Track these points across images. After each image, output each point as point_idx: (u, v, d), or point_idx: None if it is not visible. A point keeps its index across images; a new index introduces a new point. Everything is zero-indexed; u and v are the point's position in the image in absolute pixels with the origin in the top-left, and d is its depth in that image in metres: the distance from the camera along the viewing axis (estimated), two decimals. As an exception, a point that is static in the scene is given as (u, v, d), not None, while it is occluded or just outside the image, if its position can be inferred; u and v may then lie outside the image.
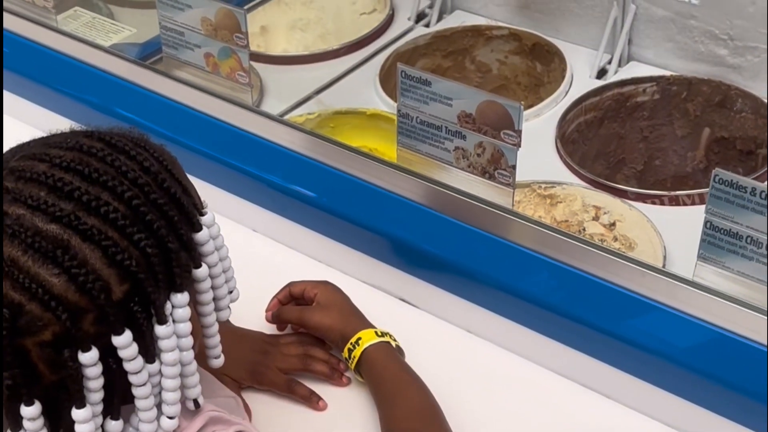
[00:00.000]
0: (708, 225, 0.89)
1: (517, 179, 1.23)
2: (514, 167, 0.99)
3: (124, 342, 0.67)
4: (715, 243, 0.89)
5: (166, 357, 0.70)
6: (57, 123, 1.25)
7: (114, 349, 0.67)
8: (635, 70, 1.42)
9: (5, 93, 1.36)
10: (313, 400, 1.01)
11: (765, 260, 0.87)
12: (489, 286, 1.04)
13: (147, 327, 0.68)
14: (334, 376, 1.03)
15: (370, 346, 0.99)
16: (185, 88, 1.21)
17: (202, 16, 1.14)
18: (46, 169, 0.67)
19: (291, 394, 1.02)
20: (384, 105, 1.39)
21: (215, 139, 1.20)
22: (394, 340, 1.02)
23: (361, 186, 1.11)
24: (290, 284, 1.09)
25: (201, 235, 0.73)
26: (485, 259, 1.04)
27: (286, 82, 1.46)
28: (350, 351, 1.01)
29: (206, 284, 0.74)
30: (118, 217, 0.66)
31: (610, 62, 1.42)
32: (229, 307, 0.79)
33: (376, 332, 1.01)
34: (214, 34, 1.14)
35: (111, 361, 0.67)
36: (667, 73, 1.39)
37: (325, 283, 1.08)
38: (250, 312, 1.07)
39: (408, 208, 1.08)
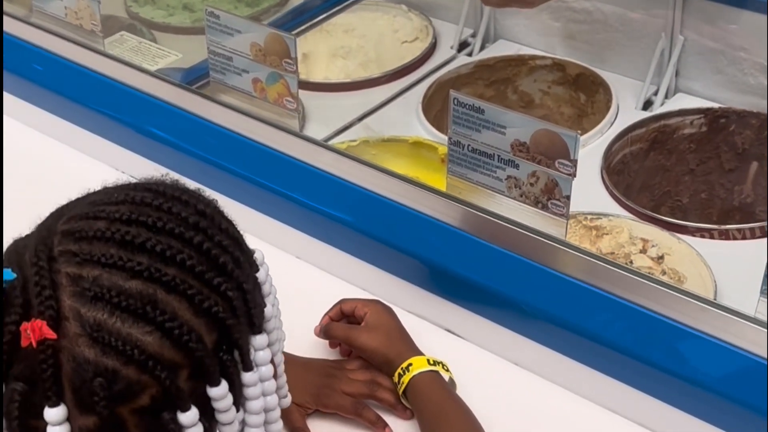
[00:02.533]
0: (770, 260, 0.87)
1: (565, 210, 1.24)
2: (568, 197, 0.98)
3: (221, 393, 0.63)
4: (779, 278, 0.87)
5: (252, 405, 0.67)
6: (104, 147, 1.25)
7: (207, 407, 0.64)
8: (682, 102, 1.40)
9: (52, 117, 1.36)
10: (379, 425, 0.99)
11: (830, 297, 0.85)
12: (539, 319, 1.02)
13: (236, 375, 0.65)
14: (398, 407, 1.01)
15: (420, 373, 0.98)
16: (231, 113, 1.21)
17: (251, 41, 1.14)
18: (108, 226, 0.63)
19: (357, 417, 1.00)
20: (426, 133, 1.38)
21: (260, 164, 1.19)
22: (447, 371, 1.01)
23: (408, 213, 1.10)
24: (342, 301, 1.08)
25: (260, 274, 0.71)
26: (536, 290, 1.02)
27: (328, 109, 1.46)
28: (400, 376, 0.99)
29: (274, 322, 0.71)
30: (194, 263, 0.63)
31: (656, 93, 1.41)
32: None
33: (428, 360, 1.00)
34: (263, 59, 1.14)
35: (204, 420, 0.64)
36: (715, 105, 1.37)
37: (376, 303, 1.06)
38: (298, 340, 1.05)
39: (457, 237, 1.07)
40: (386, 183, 1.11)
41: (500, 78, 1.52)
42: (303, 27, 1.59)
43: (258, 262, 0.71)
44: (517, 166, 0.99)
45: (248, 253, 0.70)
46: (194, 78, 1.32)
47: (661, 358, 0.96)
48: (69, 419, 0.61)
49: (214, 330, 0.64)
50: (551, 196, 0.98)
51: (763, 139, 1.34)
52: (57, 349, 0.60)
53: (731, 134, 1.36)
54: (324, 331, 1.06)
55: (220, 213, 0.70)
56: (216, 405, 0.64)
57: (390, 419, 1.00)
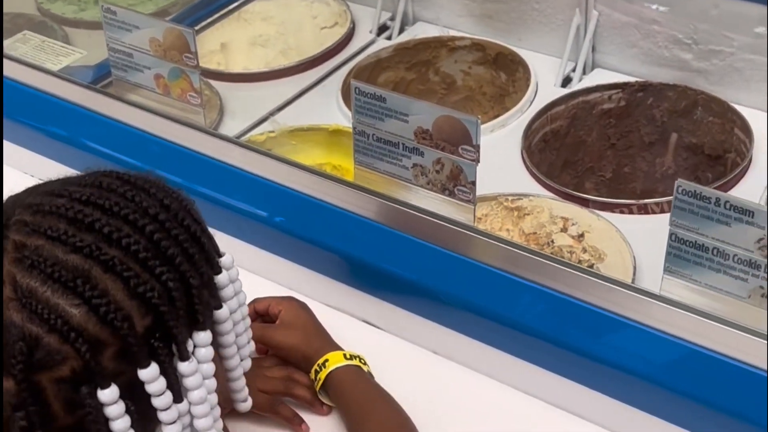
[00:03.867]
0: (673, 237, 0.87)
1: (483, 192, 1.22)
2: (473, 183, 0.96)
3: (151, 375, 0.65)
4: (681, 256, 0.87)
5: (193, 395, 0.68)
6: (12, 151, 1.21)
7: (135, 390, 0.65)
8: (600, 77, 1.40)
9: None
10: (296, 422, 0.98)
11: (732, 272, 0.84)
12: (453, 306, 1.01)
13: (169, 364, 0.66)
14: (315, 404, 0.99)
15: (337, 368, 0.97)
16: (137, 111, 1.18)
17: (150, 36, 1.11)
18: (65, 203, 0.66)
19: (274, 415, 0.99)
20: (346, 120, 1.36)
21: (169, 162, 1.16)
22: (365, 364, 0.99)
23: (319, 206, 1.08)
24: (254, 300, 1.06)
25: (221, 278, 0.73)
26: (448, 277, 1.01)
27: (247, 100, 1.44)
28: (316, 372, 0.98)
29: (228, 326, 0.73)
30: (139, 249, 0.65)
31: (574, 70, 1.40)
32: (250, 356, 0.78)
33: (344, 355, 0.98)
34: (164, 54, 1.11)
35: (129, 403, 0.64)
36: (632, 79, 1.37)
37: (290, 300, 1.05)
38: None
39: (368, 228, 1.05)
40: (296, 176, 1.09)
41: (421, 60, 1.51)
42: (218, 15, 1.56)
43: (224, 266, 0.73)
44: (422, 154, 0.98)
45: (209, 254, 0.72)
46: (101, 75, 1.29)
47: (576, 341, 0.95)
48: None
49: (148, 315, 0.65)
50: (457, 183, 0.97)
51: (681, 111, 1.33)
52: None
53: (649, 107, 1.36)
54: None
55: (189, 212, 0.71)
56: (147, 388, 0.65)
57: (307, 416, 0.99)
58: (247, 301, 0.78)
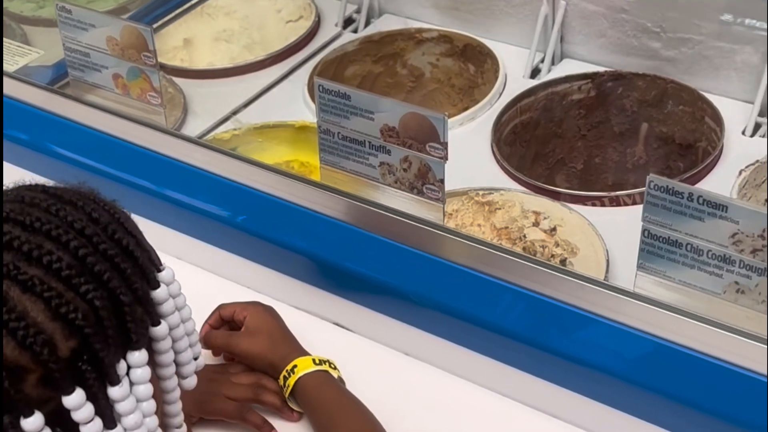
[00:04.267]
0: (646, 233, 0.85)
1: (454, 186, 1.20)
2: (442, 181, 0.94)
3: (76, 402, 0.61)
4: (654, 252, 0.85)
5: (128, 421, 0.64)
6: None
7: (63, 418, 0.61)
8: (569, 67, 1.38)
9: None
10: (265, 429, 0.96)
11: (707, 268, 0.83)
12: (423, 306, 0.99)
13: (99, 388, 0.62)
14: (285, 410, 0.97)
15: (306, 374, 0.94)
16: (96, 111, 1.14)
17: (107, 35, 1.07)
18: None
19: (242, 421, 0.96)
20: (313, 116, 1.33)
21: (130, 163, 1.14)
22: (334, 369, 0.97)
23: (285, 206, 1.06)
24: (220, 307, 1.04)
25: (159, 293, 0.68)
26: (418, 278, 0.99)
27: (212, 97, 1.41)
28: (285, 379, 0.96)
29: (166, 344, 0.69)
30: (62, 266, 0.61)
31: (543, 60, 1.38)
32: (195, 374, 0.74)
33: (313, 360, 0.96)
34: (122, 53, 1.08)
35: (58, 431, 0.61)
36: (602, 69, 1.35)
37: (255, 306, 1.02)
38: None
39: (336, 228, 1.03)
40: (260, 176, 1.07)
41: (388, 53, 1.48)
42: (181, 10, 1.53)
43: (163, 281, 0.69)
44: (388, 152, 0.95)
45: (144, 268, 0.67)
46: (59, 75, 1.25)
47: (548, 340, 0.94)
48: None
49: (73, 337, 0.61)
50: (425, 181, 0.95)
51: (651, 100, 1.32)
52: None
53: (619, 97, 1.34)
54: (204, 341, 1.02)
55: (121, 224, 0.67)
56: (74, 416, 0.61)
57: (277, 422, 0.97)
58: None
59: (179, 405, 0.73)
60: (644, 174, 1.35)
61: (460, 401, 1.00)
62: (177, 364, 0.71)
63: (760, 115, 1.25)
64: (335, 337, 1.07)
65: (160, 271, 0.69)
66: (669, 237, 0.83)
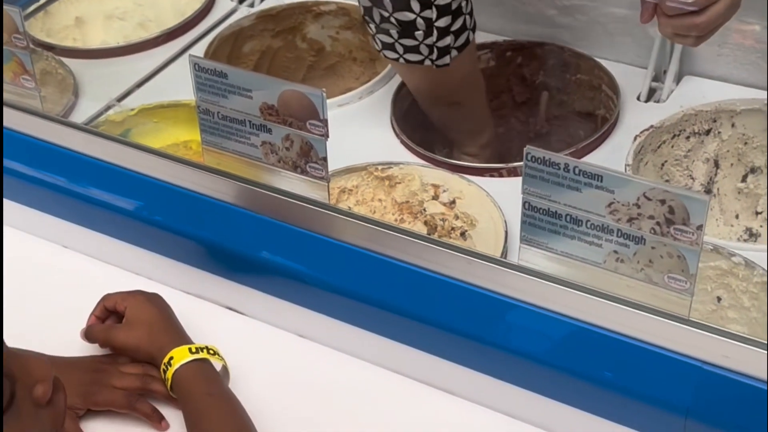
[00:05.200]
0: (526, 206, 0.84)
1: (355, 161, 1.18)
2: (325, 159, 0.92)
3: None
4: (536, 224, 0.84)
5: None
6: None
7: None
8: (468, 37, 1.36)
9: None
10: (154, 418, 0.93)
11: (587, 238, 0.82)
12: (314, 286, 0.97)
13: None
14: (174, 399, 0.94)
15: (182, 366, 0.92)
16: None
17: (-26, 17, 1.03)
18: None
19: (132, 410, 0.94)
20: (209, 95, 1.30)
21: (8, 150, 1.09)
22: (214, 354, 0.94)
23: (170, 190, 1.03)
24: (104, 298, 1.00)
25: None
26: (307, 258, 0.97)
27: (106, 77, 1.38)
28: (164, 372, 0.93)
29: None
30: None
31: (441, 31, 1.36)
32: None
33: (190, 349, 0.93)
34: (-8, 36, 1.03)
35: None
36: (500, 38, 1.34)
37: (136, 295, 0.99)
38: (70, 333, 0.99)
39: (221, 211, 1.00)
40: (143, 160, 1.03)
41: (286, 27, 1.46)
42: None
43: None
44: (269, 131, 0.93)
45: None
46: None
47: (439, 316, 0.92)
48: None
49: None
50: (308, 159, 0.92)
51: (549, 69, 1.31)
52: None
53: (519, 67, 1.33)
54: (85, 336, 0.99)
55: None
56: None
57: (167, 411, 0.94)
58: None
59: None
60: (548, 143, 1.36)
61: (355, 381, 0.98)
62: None
63: (654, 80, 1.25)
64: (227, 321, 1.04)
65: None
66: (549, 208, 0.82)
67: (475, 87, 1.23)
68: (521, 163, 1.16)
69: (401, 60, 1.12)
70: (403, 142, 1.24)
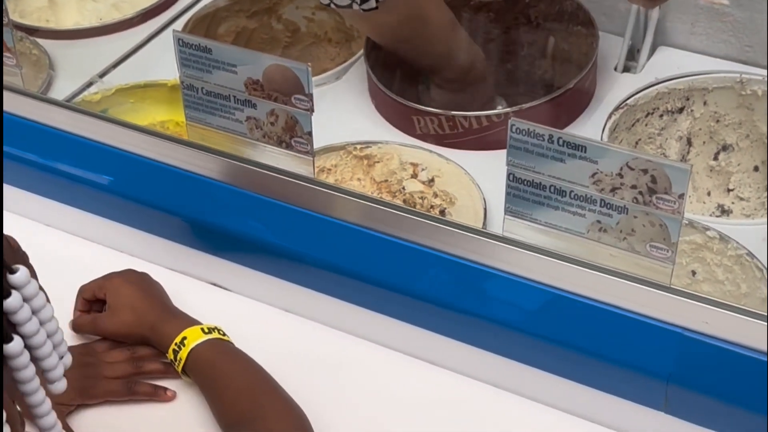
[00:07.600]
0: (511, 177, 0.85)
1: (332, 141, 1.19)
2: (310, 134, 0.93)
3: None
4: (520, 195, 0.86)
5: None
6: None
7: None
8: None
9: None
10: (159, 394, 0.94)
11: (570, 209, 0.84)
12: (299, 261, 0.98)
13: None
14: (170, 371, 0.95)
15: (199, 345, 0.91)
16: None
17: (-47, -6, 1.02)
18: None
19: (133, 396, 0.93)
20: (186, 75, 1.30)
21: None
22: (224, 335, 0.94)
23: (154, 166, 1.03)
24: (80, 290, 1.00)
25: (11, 302, 0.58)
26: (292, 232, 0.98)
27: (80, 58, 1.37)
28: (175, 352, 0.92)
29: (23, 360, 0.60)
30: None
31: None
32: (64, 376, 0.65)
33: (202, 329, 0.93)
34: (-31, 14, 1.02)
35: None
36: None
37: (111, 279, 0.98)
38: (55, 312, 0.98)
39: (207, 186, 1.01)
40: (127, 137, 1.04)
41: (262, 8, 1.45)
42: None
43: (15, 285, 0.59)
44: (254, 106, 0.93)
45: None
46: None
47: (423, 289, 0.94)
48: None
49: None
50: (293, 134, 0.93)
51: (554, 15, 1.29)
52: None
53: (527, 6, 1.31)
54: (72, 330, 0.99)
55: None
56: None
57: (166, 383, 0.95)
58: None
59: (53, 416, 0.65)
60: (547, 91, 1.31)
61: (340, 354, 0.99)
62: (43, 370, 0.63)
63: (629, 58, 1.27)
64: (213, 297, 1.05)
65: (13, 272, 0.59)
66: (533, 180, 0.84)
67: (423, 23, 1.17)
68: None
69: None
70: (377, 107, 1.23)
